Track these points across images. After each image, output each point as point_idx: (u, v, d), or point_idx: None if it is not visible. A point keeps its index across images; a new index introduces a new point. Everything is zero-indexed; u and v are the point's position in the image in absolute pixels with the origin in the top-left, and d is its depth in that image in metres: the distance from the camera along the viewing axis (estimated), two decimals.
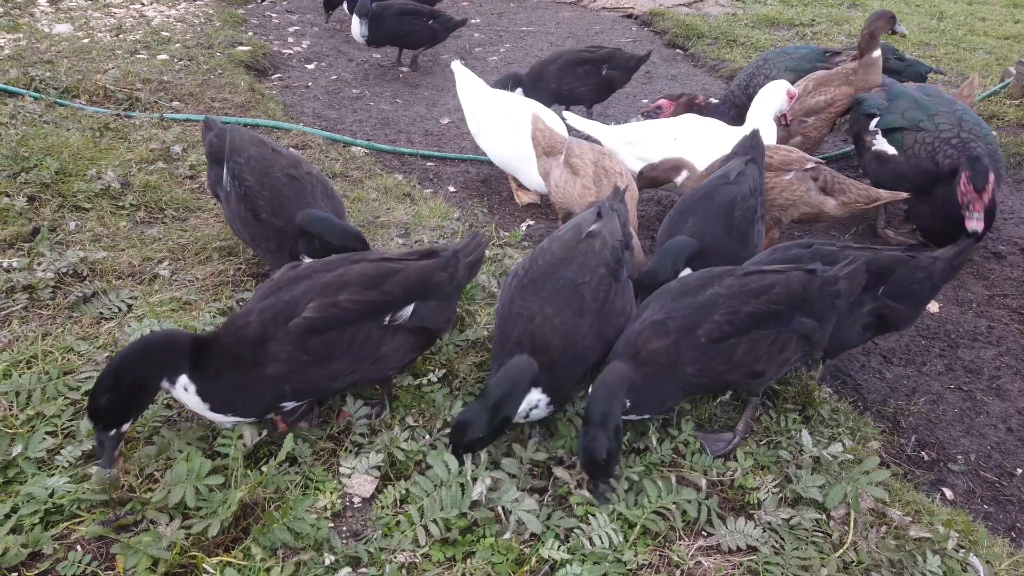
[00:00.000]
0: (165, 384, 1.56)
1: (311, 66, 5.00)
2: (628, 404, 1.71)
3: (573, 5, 7.06)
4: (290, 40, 5.46)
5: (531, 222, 3.33)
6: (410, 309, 1.80)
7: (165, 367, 1.55)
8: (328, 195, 2.35)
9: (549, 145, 3.05)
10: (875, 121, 3.15)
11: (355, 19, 4.57)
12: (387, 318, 1.76)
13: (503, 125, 3.33)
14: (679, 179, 2.97)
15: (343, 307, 1.67)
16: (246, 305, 1.72)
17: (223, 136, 2.38)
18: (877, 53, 3.47)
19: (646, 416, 1.81)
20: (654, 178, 2.98)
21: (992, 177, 2.64)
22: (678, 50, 5.87)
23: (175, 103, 3.76)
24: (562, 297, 1.80)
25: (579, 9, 6.96)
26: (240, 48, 4.75)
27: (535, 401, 1.70)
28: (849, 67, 3.52)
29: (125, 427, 1.54)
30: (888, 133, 3.07)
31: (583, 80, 3.95)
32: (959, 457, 2.19)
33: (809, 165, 2.79)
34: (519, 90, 3.75)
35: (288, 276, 1.74)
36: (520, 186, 3.56)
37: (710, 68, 5.41)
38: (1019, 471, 2.16)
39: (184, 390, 1.58)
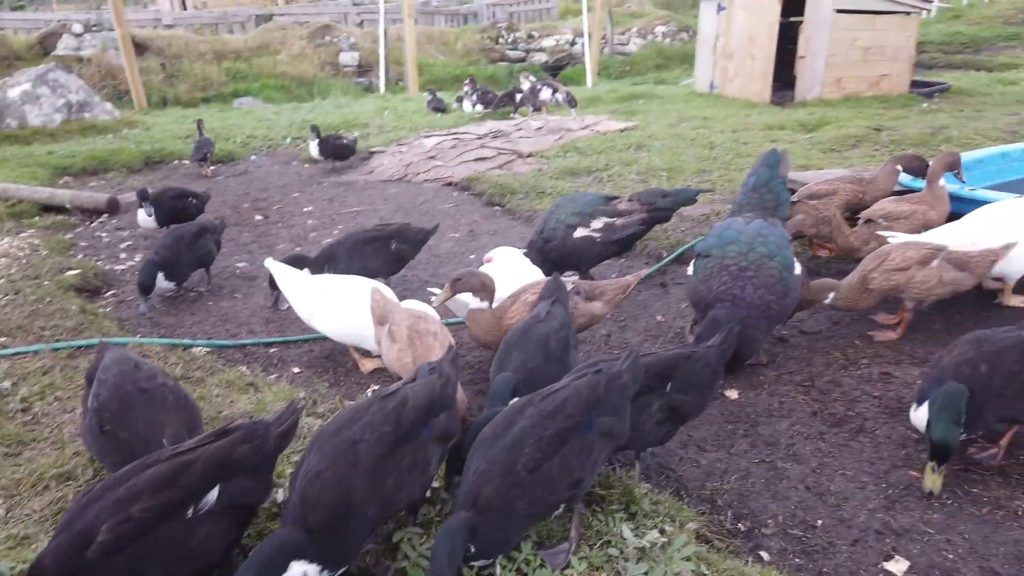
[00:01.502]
0: None
1: None
2: (473, 550, 1.89)
3: (398, 181, 7.63)
4: (123, 256, 5.56)
5: (376, 387, 3.52)
6: (215, 493, 1.83)
7: None
8: (181, 406, 2.46)
9: (382, 315, 3.33)
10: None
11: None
12: (190, 511, 1.79)
13: (339, 303, 3.56)
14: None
15: (137, 519, 1.68)
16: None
17: (100, 357, 2.54)
18: (942, 182, 4.11)
19: (495, 559, 1.98)
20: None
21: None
22: (496, 207, 6.46)
23: (3, 339, 3.75)
24: (339, 454, 1.95)
25: (404, 184, 7.53)
26: (70, 272, 4.81)
27: (301, 573, 1.78)
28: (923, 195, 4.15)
29: None
30: (697, 258, 3.49)
31: (373, 257, 4.29)
32: (769, 521, 2.49)
33: (570, 286, 3.24)
34: (306, 270, 4.02)
35: (81, 503, 1.76)
36: (364, 354, 3.77)
37: (526, 219, 5.99)
38: (819, 522, 2.47)
39: None
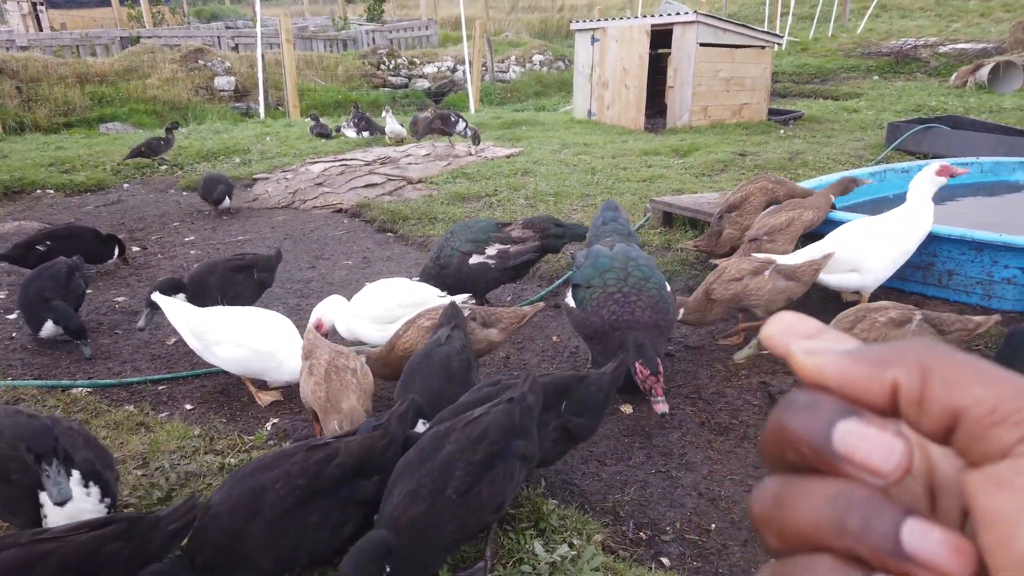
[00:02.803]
0: None
1: (12, 316, 4.78)
2: (388, 570, 1.89)
3: (285, 209, 7.49)
4: None
5: (276, 420, 3.46)
6: None
7: None
8: (91, 445, 2.36)
9: (309, 351, 3.25)
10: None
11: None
12: None
13: (237, 333, 3.47)
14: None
15: None
16: None
17: None
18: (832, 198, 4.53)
19: None
20: None
21: (659, 362, 3.04)
22: (389, 233, 6.47)
23: None
24: (242, 498, 1.91)
25: (291, 211, 7.40)
26: None
27: None
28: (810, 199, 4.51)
29: None
30: (574, 289, 3.58)
31: (243, 285, 4.33)
32: (668, 528, 2.64)
33: (467, 313, 3.33)
34: (182, 296, 3.98)
35: None
36: (260, 387, 3.69)
37: (419, 245, 6.04)
38: (713, 526, 2.65)
39: None
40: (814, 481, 0.35)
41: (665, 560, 2.50)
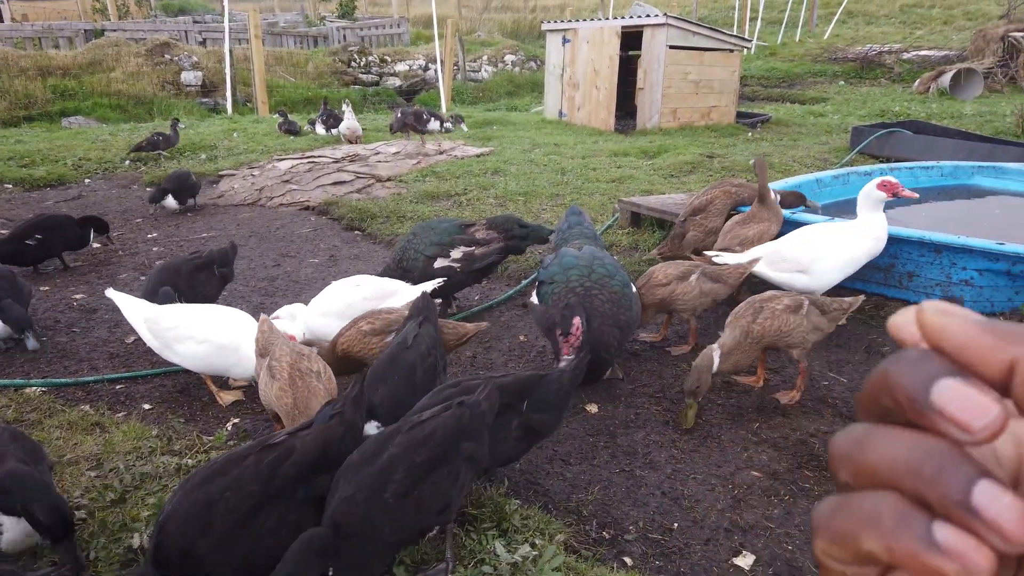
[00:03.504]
0: None
1: None
2: (332, 573, 1.85)
3: (251, 206, 7.38)
4: None
5: (236, 420, 3.40)
6: None
7: None
8: (17, 438, 2.30)
9: (264, 347, 3.18)
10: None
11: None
12: None
13: (198, 328, 3.41)
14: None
15: None
16: None
17: None
18: (776, 196, 4.53)
19: None
20: None
21: (577, 320, 3.08)
22: (356, 232, 6.41)
23: None
24: (192, 514, 1.86)
25: (257, 208, 7.30)
26: None
27: None
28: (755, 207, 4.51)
29: None
30: (539, 287, 3.61)
31: (207, 283, 4.34)
32: (631, 527, 2.64)
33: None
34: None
35: None
36: (221, 386, 3.63)
37: (387, 243, 5.99)
38: (676, 525, 2.66)
39: None
40: (901, 429, 0.37)
41: (627, 559, 2.50)
